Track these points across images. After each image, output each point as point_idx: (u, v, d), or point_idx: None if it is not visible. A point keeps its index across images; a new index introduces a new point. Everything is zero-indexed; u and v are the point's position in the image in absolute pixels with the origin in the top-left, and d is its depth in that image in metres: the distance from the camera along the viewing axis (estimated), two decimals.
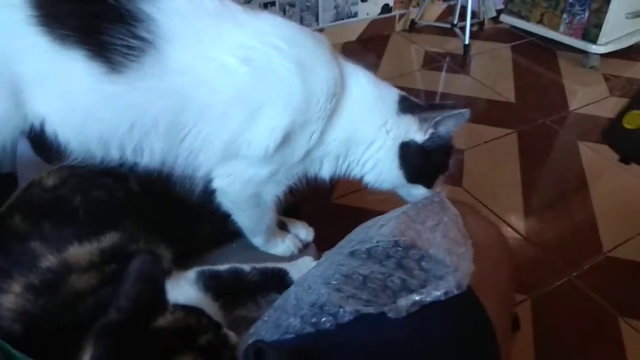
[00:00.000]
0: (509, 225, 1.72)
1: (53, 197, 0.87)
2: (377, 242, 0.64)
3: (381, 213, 0.78)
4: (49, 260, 0.75)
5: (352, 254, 0.64)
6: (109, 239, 0.81)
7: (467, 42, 2.69)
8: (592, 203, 1.82)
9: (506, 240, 0.82)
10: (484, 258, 0.63)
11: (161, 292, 0.65)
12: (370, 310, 0.55)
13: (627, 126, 0.61)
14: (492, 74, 2.59)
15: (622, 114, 0.66)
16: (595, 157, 2.01)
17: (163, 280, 0.65)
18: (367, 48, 2.80)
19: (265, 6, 2.55)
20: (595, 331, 1.45)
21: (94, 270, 0.76)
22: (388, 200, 1.03)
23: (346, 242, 0.69)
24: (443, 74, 2.63)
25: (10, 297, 0.72)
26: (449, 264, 0.60)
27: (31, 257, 0.75)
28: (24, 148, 1.01)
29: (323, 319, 0.56)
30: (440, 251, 0.62)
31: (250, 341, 0.60)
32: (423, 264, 0.61)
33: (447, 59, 2.72)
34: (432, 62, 2.69)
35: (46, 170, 0.93)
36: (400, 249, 0.63)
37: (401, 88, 1.01)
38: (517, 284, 0.81)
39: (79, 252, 0.78)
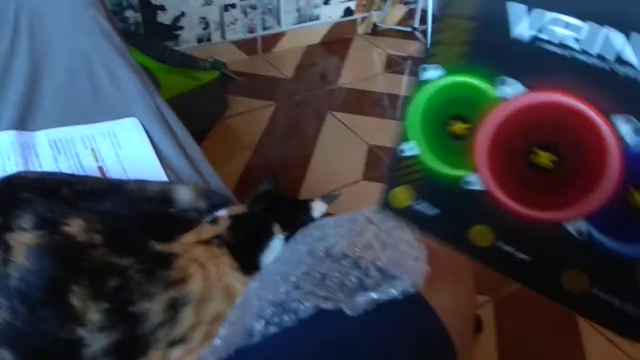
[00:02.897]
0: None
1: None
2: (335, 242, 0.66)
3: None
4: None
5: (310, 252, 0.66)
6: None
7: (428, 45, 2.72)
8: None
9: None
10: (438, 259, 0.65)
11: None
12: (329, 306, 0.58)
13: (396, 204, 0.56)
14: None
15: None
16: None
17: None
18: (330, 51, 2.82)
19: (225, 8, 2.54)
20: (556, 330, 1.50)
21: None
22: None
23: (301, 238, 0.71)
24: (405, 77, 2.67)
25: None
26: (404, 265, 0.62)
27: None
28: None
29: (285, 317, 0.58)
30: (396, 252, 0.64)
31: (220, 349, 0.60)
32: (379, 264, 0.63)
33: (409, 62, 2.76)
34: (394, 65, 2.73)
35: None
36: (357, 249, 0.65)
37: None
38: (479, 286, 0.83)
39: None
